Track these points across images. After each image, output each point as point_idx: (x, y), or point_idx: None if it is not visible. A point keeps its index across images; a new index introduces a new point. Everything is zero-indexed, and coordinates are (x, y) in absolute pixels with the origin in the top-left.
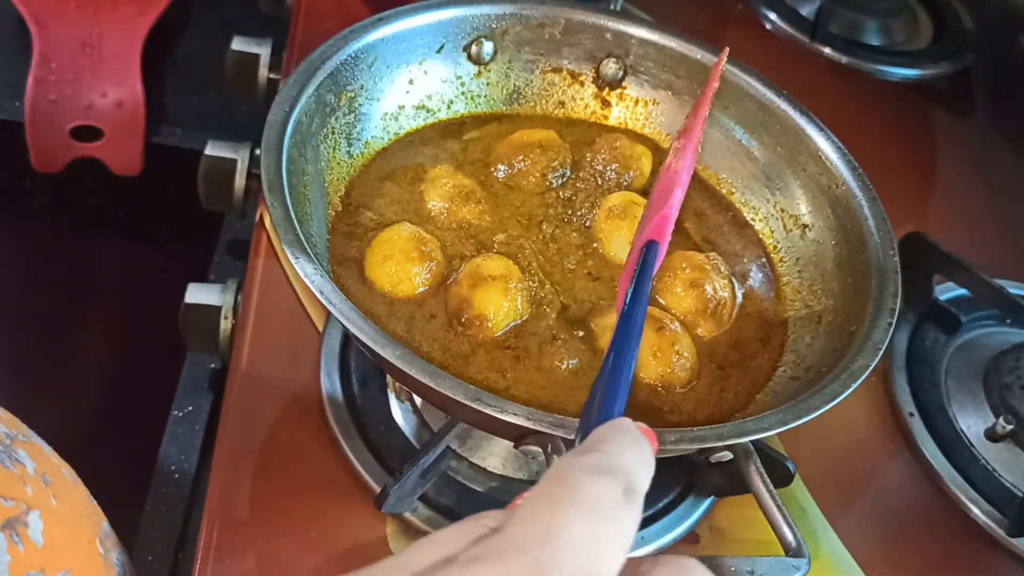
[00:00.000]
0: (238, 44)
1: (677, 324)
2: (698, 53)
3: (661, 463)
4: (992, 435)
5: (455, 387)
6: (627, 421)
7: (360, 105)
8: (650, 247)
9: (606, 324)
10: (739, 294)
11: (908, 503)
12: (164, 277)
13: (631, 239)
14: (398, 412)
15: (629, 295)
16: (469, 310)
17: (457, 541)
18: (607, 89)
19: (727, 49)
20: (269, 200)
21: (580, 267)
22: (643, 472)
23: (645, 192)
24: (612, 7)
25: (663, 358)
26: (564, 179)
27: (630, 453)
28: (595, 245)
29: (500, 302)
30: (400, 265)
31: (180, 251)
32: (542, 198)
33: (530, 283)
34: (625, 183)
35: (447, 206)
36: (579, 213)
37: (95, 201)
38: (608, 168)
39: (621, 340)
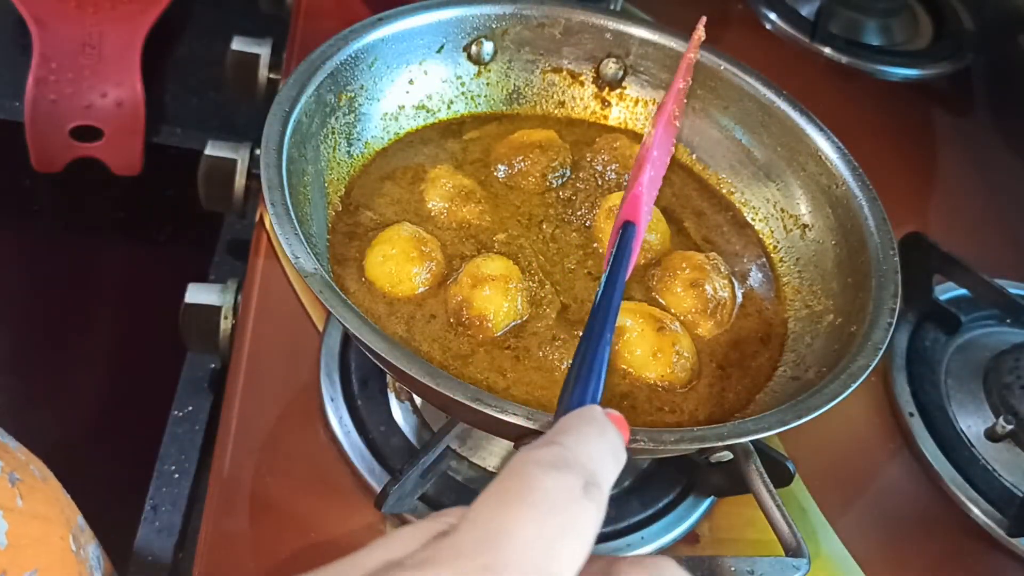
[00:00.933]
0: (238, 44)
1: (677, 324)
2: (698, 53)
3: (661, 463)
4: (992, 435)
5: (455, 387)
6: (595, 409)
7: (360, 105)
8: (626, 228)
9: None
10: (739, 294)
11: (908, 503)
12: (164, 277)
13: None
14: (398, 412)
15: (604, 279)
16: (469, 310)
17: (411, 542)
18: (607, 89)
19: (700, 30)
20: (269, 200)
21: (580, 267)
22: (607, 464)
23: None
24: (612, 7)
25: (664, 358)
26: (564, 179)
27: (593, 444)
28: (595, 245)
29: (500, 302)
30: (400, 265)
31: (180, 251)
32: (542, 198)
33: (530, 283)
34: (625, 183)
35: (447, 206)
36: (579, 213)
37: (95, 201)
38: (608, 168)
39: (595, 325)
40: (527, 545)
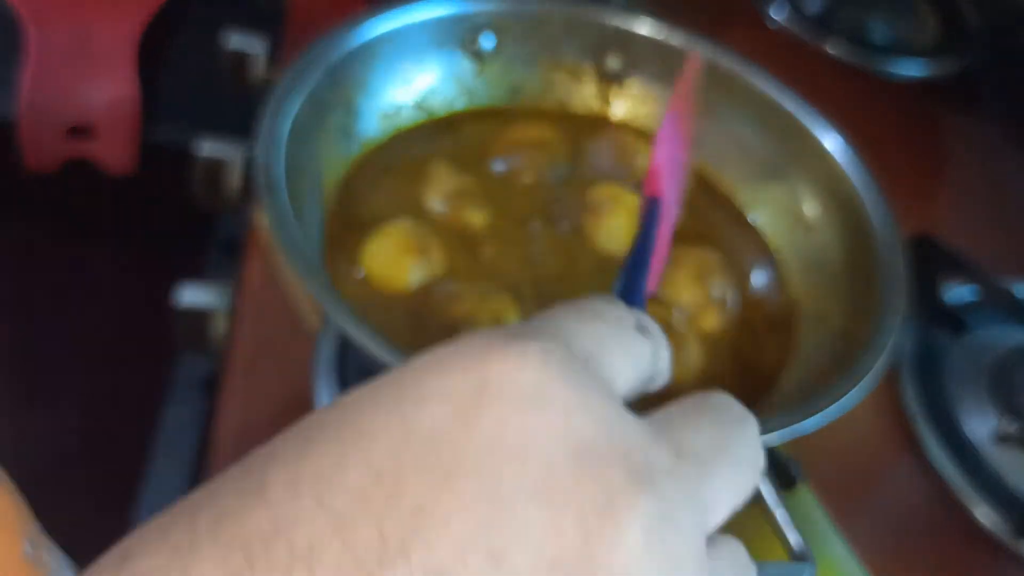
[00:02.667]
0: (234, 41)
1: (683, 324)
2: (701, 50)
3: None
4: (998, 438)
5: None
6: None
7: (357, 102)
8: (650, 203)
9: None
10: (741, 295)
11: (914, 506)
12: (158, 276)
13: (615, 233)
14: None
15: (628, 257)
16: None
17: None
18: (609, 85)
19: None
20: (264, 199)
21: (574, 264)
22: (659, 335)
23: (638, 188)
24: (614, 3)
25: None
26: (561, 176)
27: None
28: (587, 240)
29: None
30: (397, 262)
31: (174, 250)
32: (539, 195)
33: (527, 310)
34: (619, 177)
35: (444, 204)
36: (572, 209)
37: (89, 200)
38: (603, 161)
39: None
40: (580, 335)
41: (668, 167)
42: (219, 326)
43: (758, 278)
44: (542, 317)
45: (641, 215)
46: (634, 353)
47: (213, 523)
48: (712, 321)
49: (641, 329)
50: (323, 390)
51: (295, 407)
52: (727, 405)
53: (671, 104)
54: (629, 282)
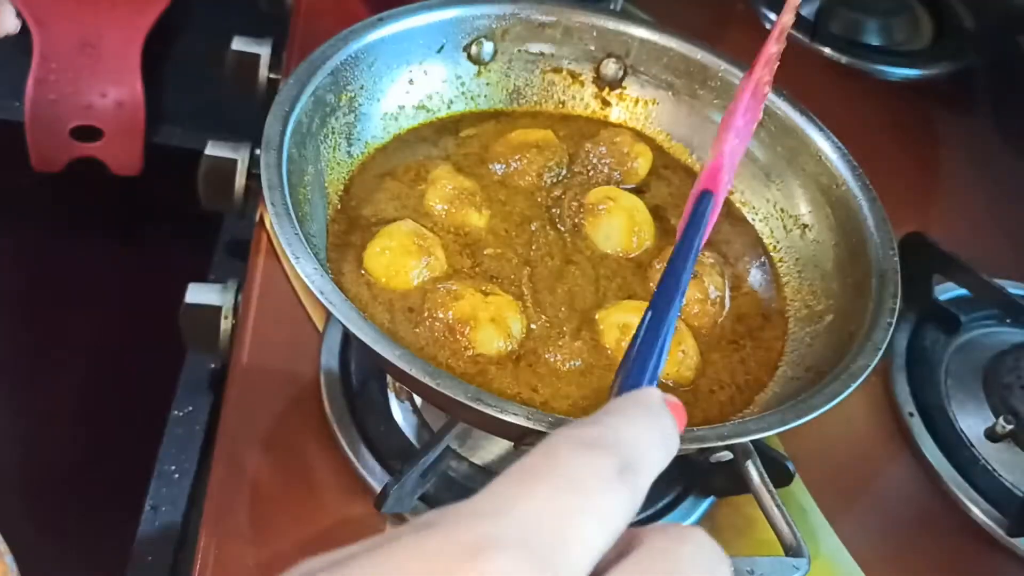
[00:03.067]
0: (238, 44)
1: (680, 322)
2: (698, 53)
3: None
4: (992, 435)
5: (455, 387)
6: (653, 392)
7: (360, 105)
8: (703, 197)
9: (607, 319)
10: (737, 293)
11: (908, 503)
12: (164, 277)
13: (613, 233)
14: (398, 412)
15: (676, 249)
16: (460, 334)
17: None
18: (607, 89)
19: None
20: (269, 200)
21: (573, 264)
22: (654, 451)
23: (636, 189)
24: (612, 7)
25: (670, 357)
26: (560, 178)
27: (640, 428)
28: (586, 240)
29: (493, 340)
30: (399, 262)
31: (180, 251)
32: (538, 197)
33: (526, 308)
34: (616, 179)
35: (445, 206)
36: (570, 211)
37: (95, 201)
38: (602, 162)
39: (662, 298)
40: (536, 518)
41: (730, 158)
42: (225, 325)
43: (754, 277)
44: (507, 498)
45: (686, 216)
46: (609, 516)
47: None
48: (708, 319)
49: (623, 470)
50: (327, 388)
51: (300, 405)
52: (699, 549)
53: (753, 75)
54: (645, 347)
